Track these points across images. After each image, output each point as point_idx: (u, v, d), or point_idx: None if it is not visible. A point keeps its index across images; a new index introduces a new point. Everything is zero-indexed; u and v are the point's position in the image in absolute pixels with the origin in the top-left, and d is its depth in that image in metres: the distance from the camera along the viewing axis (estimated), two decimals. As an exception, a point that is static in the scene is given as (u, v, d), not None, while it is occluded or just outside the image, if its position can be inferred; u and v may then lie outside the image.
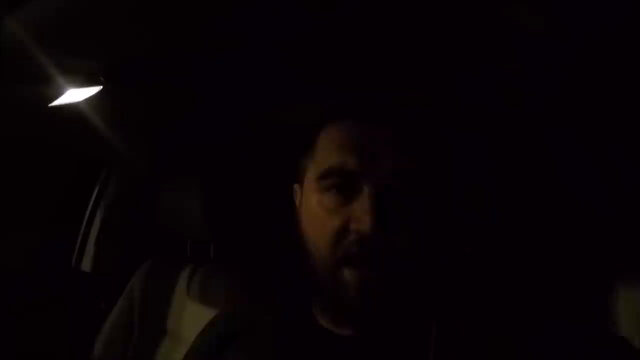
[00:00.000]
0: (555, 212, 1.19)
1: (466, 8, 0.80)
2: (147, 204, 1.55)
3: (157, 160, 1.64)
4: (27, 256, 1.46)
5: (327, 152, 0.59)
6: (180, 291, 1.32)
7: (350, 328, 0.61)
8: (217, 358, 0.68)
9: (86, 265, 1.61)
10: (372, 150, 0.55)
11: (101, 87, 1.06)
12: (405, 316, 0.60)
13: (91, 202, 1.60)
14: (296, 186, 0.67)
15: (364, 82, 1.11)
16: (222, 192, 1.37)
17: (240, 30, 0.86)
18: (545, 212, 1.21)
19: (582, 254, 1.13)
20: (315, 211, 0.58)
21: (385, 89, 1.16)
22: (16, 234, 1.42)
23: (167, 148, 1.64)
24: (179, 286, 1.33)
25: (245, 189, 1.54)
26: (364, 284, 0.54)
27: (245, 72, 1.07)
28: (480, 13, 0.81)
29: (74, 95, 1.09)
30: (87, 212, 1.61)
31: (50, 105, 1.11)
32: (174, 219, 1.38)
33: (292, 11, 0.78)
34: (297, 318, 0.65)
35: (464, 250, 0.95)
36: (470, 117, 1.20)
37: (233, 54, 0.97)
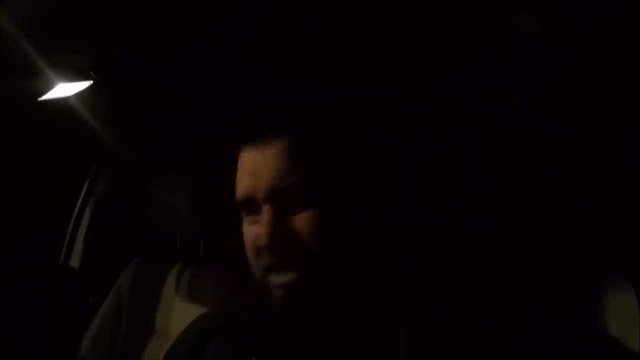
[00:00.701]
0: (545, 214, 1.20)
1: (460, 8, 0.80)
2: (136, 200, 1.54)
3: (147, 157, 1.63)
4: (15, 252, 1.45)
5: (237, 180, 0.65)
6: (168, 288, 1.31)
7: (298, 337, 0.63)
8: (198, 354, 0.68)
9: (75, 261, 1.60)
10: (261, 172, 0.61)
11: (91, 82, 1.05)
12: (365, 319, 0.61)
13: (80, 198, 1.59)
14: None
15: (354, 81, 1.11)
16: (212, 189, 1.37)
17: (231, 26, 0.86)
18: (535, 214, 1.21)
19: (571, 256, 1.13)
20: (243, 227, 0.65)
21: (379, 89, 1.16)
22: (4, 229, 1.41)
23: (157, 144, 1.63)
24: (167, 283, 1.32)
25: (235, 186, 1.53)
26: (285, 286, 0.59)
27: (236, 69, 1.07)
28: (474, 13, 0.82)
29: (64, 89, 1.08)
30: (76, 208, 1.60)
31: (39, 99, 1.10)
32: (164, 215, 1.38)
33: (282, 9, 0.78)
34: (273, 321, 0.66)
35: (448, 250, 0.96)
36: (462, 117, 1.20)
37: (223, 51, 0.97)
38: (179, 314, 1.26)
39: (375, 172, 0.64)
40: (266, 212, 0.60)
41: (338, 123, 0.65)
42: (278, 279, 0.59)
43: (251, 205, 0.62)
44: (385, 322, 0.60)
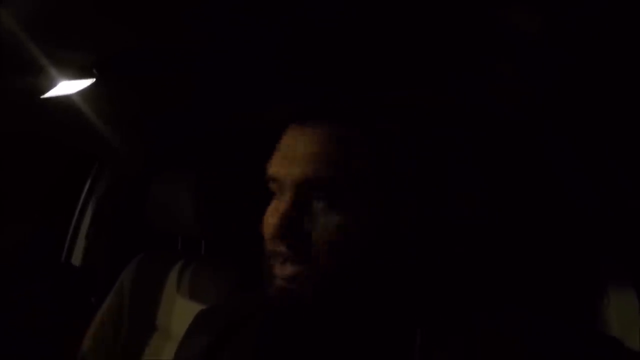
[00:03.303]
0: (547, 214, 1.20)
1: (461, 8, 0.80)
2: (138, 198, 1.54)
3: (149, 155, 1.63)
4: (17, 250, 1.45)
5: (271, 159, 0.62)
6: (170, 287, 1.31)
7: (290, 332, 0.62)
8: (214, 354, 0.68)
9: (76, 259, 1.60)
10: (292, 158, 0.58)
11: (94, 79, 1.05)
12: (381, 324, 0.60)
13: (82, 196, 1.60)
14: None
15: (356, 81, 1.11)
16: (214, 188, 1.37)
17: (233, 25, 0.86)
18: (537, 215, 1.21)
19: (573, 257, 1.13)
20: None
21: (379, 89, 1.16)
22: (6, 227, 1.41)
23: (160, 143, 1.63)
24: (169, 282, 1.32)
25: (237, 185, 1.54)
26: (287, 278, 0.57)
27: (239, 67, 1.07)
28: (475, 13, 0.81)
29: (67, 87, 1.08)
30: (79, 206, 1.60)
31: (42, 97, 1.11)
32: (166, 214, 1.38)
33: (283, 8, 0.78)
34: (280, 317, 0.65)
35: (454, 251, 0.96)
36: (462, 116, 1.20)
37: (226, 49, 0.97)
38: (180, 312, 1.26)
39: (407, 177, 0.62)
40: (286, 199, 0.57)
41: (383, 121, 0.62)
42: (280, 269, 0.57)
43: (276, 187, 0.60)
44: (401, 327, 0.59)
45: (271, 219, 0.59)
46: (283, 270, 0.57)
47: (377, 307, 0.60)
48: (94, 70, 1.03)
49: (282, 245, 0.57)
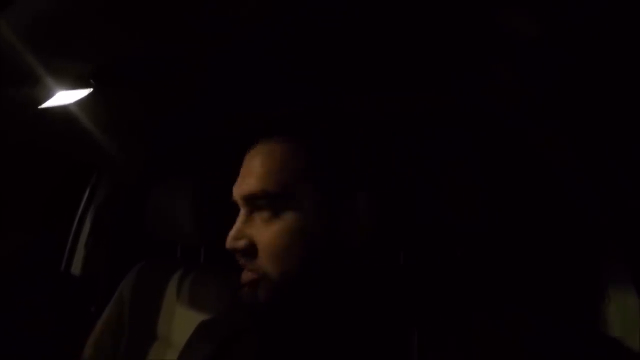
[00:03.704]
0: (547, 215, 1.19)
1: (460, 9, 0.80)
2: (137, 207, 1.54)
3: (147, 164, 1.63)
4: (16, 259, 1.45)
5: None
6: (170, 295, 1.31)
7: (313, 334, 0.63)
8: None
9: (76, 268, 1.60)
10: (243, 175, 0.65)
11: (91, 89, 1.05)
12: (378, 325, 0.60)
13: (82, 205, 1.60)
14: None
15: (354, 84, 1.11)
16: (213, 195, 1.37)
17: (229, 32, 0.86)
18: (537, 216, 1.21)
19: (573, 257, 1.13)
20: None
21: (378, 90, 1.16)
22: (6, 236, 1.41)
23: (158, 151, 1.63)
24: (168, 290, 1.32)
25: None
26: (247, 283, 0.63)
27: (236, 74, 1.07)
28: (475, 13, 0.82)
29: (64, 97, 1.08)
30: (77, 216, 1.60)
31: (39, 107, 1.11)
32: (164, 222, 1.38)
33: (281, 11, 0.78)
34: (279, 329, 0.66)
35: (453, 252, 0.95)
36: (461, 118, 1.20)
37: (222, 56, 0.97)
38: (180, 321, 1.26)
39: (366, 179, 0.64)
40: (240, 215, 0.64)
41: (329, 129, 0.65)
42: (243, 275, 0.63)
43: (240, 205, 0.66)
44: (398, 327, 0.59)
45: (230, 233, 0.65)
46: (243, 277, 0.63)
47: (357, 307, 0.62)
48: (91, 80, 1.03)
49: (238, 255, 0.63)
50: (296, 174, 0.61)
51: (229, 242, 0.63)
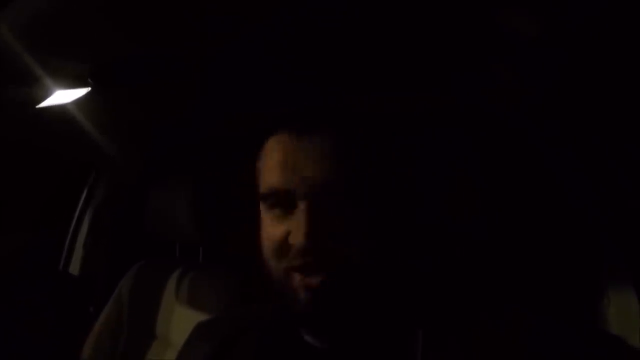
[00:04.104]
0: (546, 215, 1.20)
1: (460, 9, 0.80)
2: (136, 206, 1.54)
3: (146, 163, 1.63)
4: (14, 259, 1.44)
5: (265, 172, 0.61)
6: (168, 295, 1.31)
7: (327, 340, 0.61)
8: None
9: (74, 268, 1.60)
10: (302, 166, 0.57)
11: (89, 88, 1.05)
12: (385, 326, 0.60)
13: (80, 205, 1.59)
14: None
15: (355, 84, 1.11)
16: (211, 195, 1.37)
17: (228, 32, 0.86)
18: (536, 216, 1.21)
19: (573, 257, 1.13)
20: (263, 223, 0.61)
21: (377, 90, 1.16)
22: (4, 235, 1.41)
23: (157, 150, 1.63)
24: (167, 290, 1.32)
25: (234, 192, 1.53)
26: (313, 289, 0.56)
27: (235, 73, 1.07)
28: (475, 16, 0.82)
29: (62, 97, 1.08)
30: (76, 215, 1.60)
31: (38, 107, 1.10)
32: (163, 222, 1.38)
33: (281, 10, 0.78)
34: (280, 330, 0.65)
35: (453, 255, 0.95)
36: (461, 118, 1.20)
37: (222, 56, 0.97)
38: (179, 320, 1.26)
39: (410, 174, 0.62)
40: (304, 209, 0.56)
41: (388, 123, 0.62)
42: (305, 280, 0.56)
43: (281, 199, 0.58)
44: (403, 328, 0.59)
45: (279, 234, 0.58)
46: (310, 281, 0.56)
47: (380, 308, 0.60)
48: (90, 80, 1.02)
49: (311, 256, 0.55)
50: (363, 165, 0.57)
51: (307, 241, 0.54)
